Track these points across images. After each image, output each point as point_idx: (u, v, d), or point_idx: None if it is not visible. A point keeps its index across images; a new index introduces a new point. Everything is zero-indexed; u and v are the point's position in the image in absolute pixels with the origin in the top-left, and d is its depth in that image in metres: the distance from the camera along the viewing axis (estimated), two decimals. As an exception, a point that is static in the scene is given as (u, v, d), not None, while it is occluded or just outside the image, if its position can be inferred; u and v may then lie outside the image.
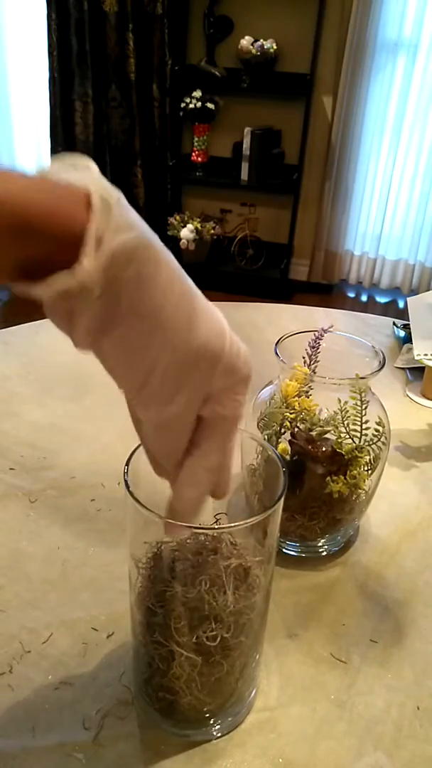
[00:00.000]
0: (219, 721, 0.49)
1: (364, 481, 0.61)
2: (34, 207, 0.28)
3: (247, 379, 0.37)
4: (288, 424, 0.62)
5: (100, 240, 0.29)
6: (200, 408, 0.36)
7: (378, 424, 0.61)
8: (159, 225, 3.34)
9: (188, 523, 0.38)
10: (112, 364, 0.33)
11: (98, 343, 0.32)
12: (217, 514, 0.49)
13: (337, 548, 0.67)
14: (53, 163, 0.32)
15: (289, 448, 0.62)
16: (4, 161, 3.51)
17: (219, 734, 0.50)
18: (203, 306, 0.34)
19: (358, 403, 0.59)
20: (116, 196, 0.30)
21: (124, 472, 0.41)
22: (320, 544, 0.66)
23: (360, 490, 0.62)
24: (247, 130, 3.04)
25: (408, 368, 1.03)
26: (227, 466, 0.39)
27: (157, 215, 3.35)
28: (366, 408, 0.59)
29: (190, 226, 3.15)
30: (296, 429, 0.62)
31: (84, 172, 0.31)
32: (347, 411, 0.60)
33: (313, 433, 0.62)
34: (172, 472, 0.38)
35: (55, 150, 3.28)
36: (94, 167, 0.32)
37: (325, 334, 0.65)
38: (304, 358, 0.65)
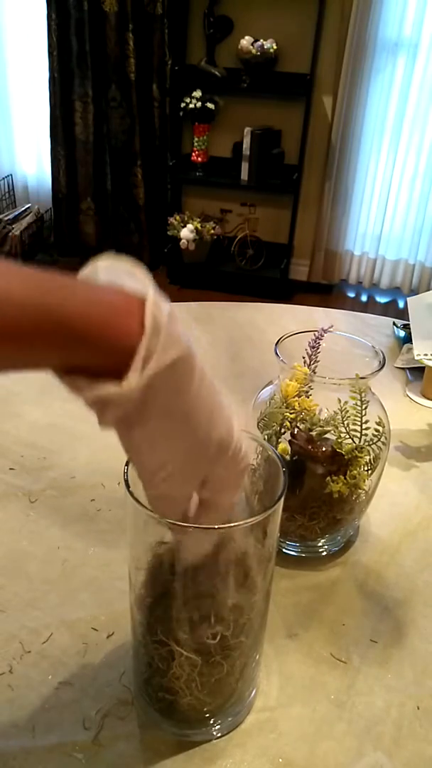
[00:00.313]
0: (219, 721, 0.49)
1: (364, 481, 0.61)
2: (89, 320, 0.30)
3: (246, 470, 0.39)
4: (288, 424, 0.62)
5: (148, 358, 0.31)
6: (200, 490, 0.38)
7: (378, 424, 0.61)
8: (159, 225, 3.34)
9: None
10: (132, 452, 0.36)
11: (123, 431, 0.35)
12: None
13: (337, 548, 0.67)
14: (100, 262, 0.34)
15: (289, 448, 0.62)
16: (4, 161, 3.51)
17: (219, 734, 0.50)
18: (221, 404, 0.37)
19: (358, 403, 0.59)
20: (167, 313, 0.32)
21: (124, 472, 0.41)
22: (320, 544, 0.66)
23: (360, 490, 0.62)
24: (247, 130, 3.04)
25: (408, 368, 1.03)
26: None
27: (157, 215, 3.35)
28: (366, 408, 0.59)
29: (190, 226, 3.15)
30: (296, 429, 0.62)
31: (136, 282, 0.33)
32: (347, 411, 0.60)
33: (313, 433, 0.62)
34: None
35: (55, 150, 3.29)
36: (146, 277, 0.33)
37: (325, 334, 0.65)
38: (304, 358, 0.65)
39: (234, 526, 0.40)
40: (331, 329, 0.66)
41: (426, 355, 0.96)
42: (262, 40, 2.90)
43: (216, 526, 0.40)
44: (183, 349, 0.33)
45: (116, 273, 0.34)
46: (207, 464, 0.37)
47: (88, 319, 0.30)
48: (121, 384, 0.31)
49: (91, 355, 0.31)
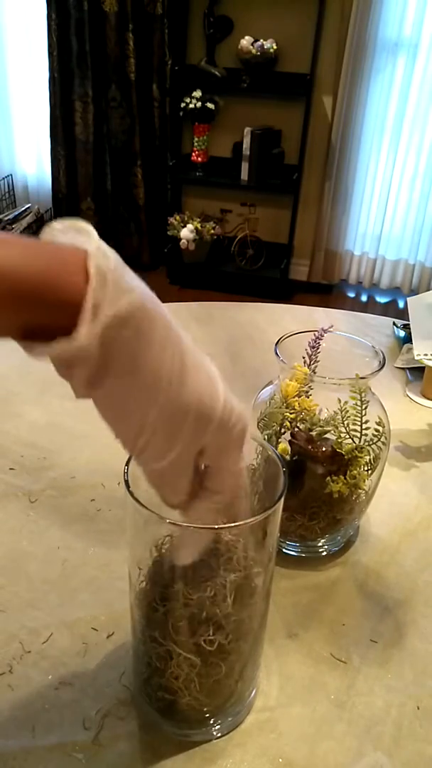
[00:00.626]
0: (219, 721, 0.49)
1: (364, 481, 0.61)
2: (32, 276, 0.30)
3: (242, 436, 0.38)
4: (288, 424, 0.62)
5: (97, 308, 0.30)
6: (199, 459, 0.38)
7: (378, 424, 0.61)
8: (159, 225, 3.34)
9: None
10: (106, 415, 0.35)
11: (95, 396, 0.34)
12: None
13: (337, 548, 0.67)
14: (53, 225, 0.33)
15: (289, 448, 0.62)
16: (4, 161, 3.51)
17: (219, 734, 0.50)
18: (197, 365, 0.36)
19: (358, 403, 0.59)
20: (113, 262, 0.31)
21: (124, 472, 0.41)
22: (320, 544, 0.66)
23: (360, 490, 0.62)
24: (247, 130, 3.04)
25: (408, 368, 1.03)
26: (236, 503, 0.41)
27: (157, 215, 3.35)
28: (366, 408, 0.59)
29: (190, 226, 3.15)
30: (296, 429, 0.62)
31: (83, 237, 0.32)
32: (347, 411, 0.60)
33: (313, 433, 0.62)
34: (179, 506, 0.40)
35: (55, 150, 3.29)
36: (92, 231, 0.33)
37: (325, 334, 0.65)
38: (304, 358, 0.65)
39: (234, 526, 0.40)
40: (331, 329, 0.66)
41: (426, 355, 0.96)
42: (262, 40, 2.90)
43: (215, 526, 0.40)
44: (136, 297, 0.32)
45: (68, 233, 0.33)
46: (190, 433, 0.35)
47: (29, 273, 0.30)
48: (73, 337, 0.30)
49: (38, 312, 0.30)
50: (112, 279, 0.31)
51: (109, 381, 0.33)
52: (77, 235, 0.33)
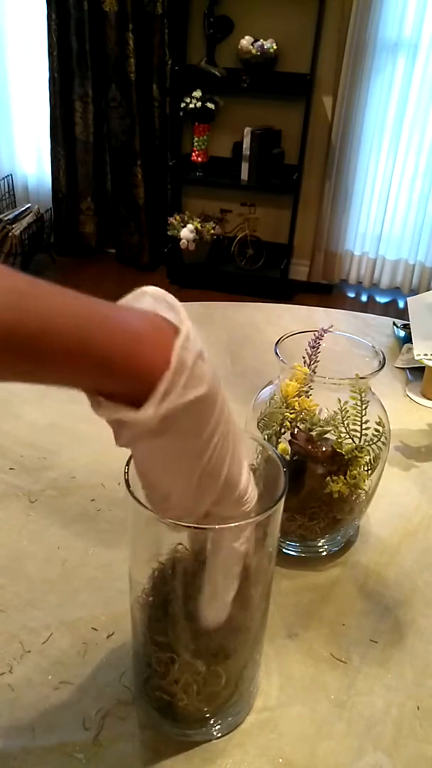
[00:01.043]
0: (219, 721, 0.49)
1: (364, 481, 0.61)
2: (119, 349, 0.31)
3: (248, 516, 0.40)
4: (288, 424, 0.62)
5: (167, 394, 0.32)
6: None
7: (378, 424, 0.61)
8: (159, 225, 3.34)
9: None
10: (141, 475, 0.38)
11: (135, 448, 0.36)
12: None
13: (337, 548, 0.67)
14: (146, 290, 0.35)
15: (289, 448, 0.62)
16: (4, 161, 3.51)
17: (219, 734, 0.50)
18: (237, 448, 0.38)
19: (358, 403, 0.59)
20: (195, 354, 0.33)
21: (125, 472, 0.41)
22: (320, 544, 0.66)
23: (360, 490, 0.62)
24: (247, 130, 3.04)
25: (408, 368, 1.03)
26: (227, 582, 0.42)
27: (157, 215, 3.35)
28: (366, 408, 0.59)
29: (190, 226, 3.15)
30: (296, 429, 0.62)
31: (172, 314, 0.34)
32: (347, 411, 0.60)
33: (313, 433, 0.62)
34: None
35: (55, 150, 3.29)
36: (182, 311, 0.34)
37: (325, 334, 0.65)
38: (304, 358, 0.65)
39: (234, 526, 0.40)
40: (331, 329, 0.66)
41: (426, 355, 0.96)
42: (262, 40, 2.90)
43: (216, 526, 0.40)
44: (205, 390, 0.33)
45: (157, 303, 0.35)
46: (211, 498, 0.37)
47: (117, 348, 0.31)
48: (138, 412, 0.32)
49: (115, 382, 0.32)
50: (189, 370, 0.33)
51: (154, 446, 0.35)
52: (167, 311, 0.34)
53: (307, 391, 0.63)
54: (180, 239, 3.16)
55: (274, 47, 2.92)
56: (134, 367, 0.32)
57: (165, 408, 0.32)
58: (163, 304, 0.35)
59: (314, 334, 0.66)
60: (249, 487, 0.39)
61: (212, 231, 3.19)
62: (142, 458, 0.37)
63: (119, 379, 0.32)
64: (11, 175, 3.52)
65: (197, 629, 0.43)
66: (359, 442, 0.60)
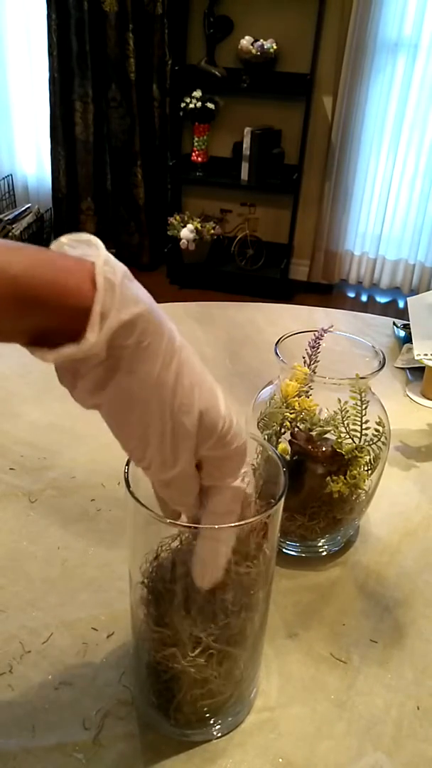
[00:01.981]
0: (219, 721, 0.49)
1: (364, 481, 0.61)
2: (41, 281, 0.31)
3: (241, 452, 0.39)
4: (288, 424, 0.62)
5: (104, 315, 0.32)
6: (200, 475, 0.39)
7: (378, 424, 0.61)
8: (159, 225, 3.34)
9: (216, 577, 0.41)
10: (113, 425, 0.36)
11: (100, 405, 0.35)
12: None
13: (337, 548, 0.67)
14: (61, 240, 0.35)
15: (289, 448, 0.62)
16: (4, 161, 3.51)
17: (219, 734, 0.50)
18: (201, 378, 0.37)
19: (358, 403, 0.59)
20: (121, 274, 0.33)
21: (124, 472, 0.41)
22: (320, 544, 0.66)
23: (360, 490, 0.62)
24: (247, 130, 3.04)
25: (408, 368, 1.03)
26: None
27: (157, 215, 3.35)
28: (366, 408, 0.59)
29: (190, 226, 3.15)
30: (296, 429, 0.62)
31: (91, 249, 0.34)
32: (347, 411, 0.60)
33: (313, 433, 0.62)
34: (185, 512, 0.41)
35: (55, 150, 3.29)
36: (100, 244, 0.34)
37: (325, 334, 0.65)
38: (304, 358, 0.65)
39: (234, 526, 0.40)
40: (331, 329, 0.66)
41: (426, 355, 0.96)
42: (262, 40, 2.90)
43: (216, 526, 0.40)
44: (143, 307, 0.33)
45: (77, 247, 0.34)
46: (190, 441, 0.36)
47: (38, 278, 0.31)
48: (81, 341, 0.31)
49: (46, 316, 0.31)
50: (119, 289, 0.32)
51: (113, 389, 0.34)
52: (86, 248, 0.34)
53: (307, 391, 0.63)
54: (180, 239, 3.16)
55: (274, 47, 2.92)
56: (63, 296, 0.31)
57: (107, 330, 0.32)
58: (80, 246, 0.34)
59: (314, 334, 0.66)
60: (232, 420, 0.38)
61: (212, 231, 3.19)
62: (108, 410, 0.36)
63: (53, 314, 0.31)
64: (11, 175, 3.52)
65: (196, 629, 0.43)
66: (359, 442, 0.60)
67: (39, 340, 0.32)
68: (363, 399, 0.59)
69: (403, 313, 1.16)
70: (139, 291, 0.34)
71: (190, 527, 0.41)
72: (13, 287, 0.30)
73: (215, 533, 0.40)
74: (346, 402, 0.60)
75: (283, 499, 0.43)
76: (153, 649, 0.46)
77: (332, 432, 0.61)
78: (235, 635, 0.44)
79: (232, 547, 0.41)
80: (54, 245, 0.35)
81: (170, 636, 0.44)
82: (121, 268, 0.33)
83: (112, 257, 0.33)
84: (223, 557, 0.41)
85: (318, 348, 0.65)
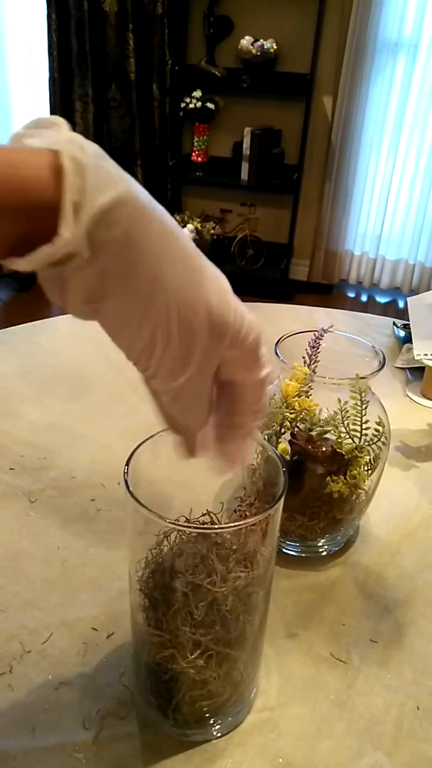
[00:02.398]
0: (219, 721, 0.49)
1: (364, 481, 0.61)
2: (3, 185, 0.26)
3: (258, 344, 0.35)
4: (288, 424, 0.62)
5: (78, 205, 0.27)
6: (217, 377, 0.35)
7: (378, 424, 0.61)
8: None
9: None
10: (114, 332, 0.32)
11: (97, 312, 0.31)
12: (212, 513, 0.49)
13: (337, 548, 0.67)
14: (18, 131, 0.30)
15: (289, 448, 0.62)
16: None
17: (219, 734, 0.50)
18: (203, 269, 0.32)
19: (358, 403, 0.59)
20: (92, 153, 0.28)
21: (124, 472, 0.41)
22: (320, 544, 0.66)
23: (360, 490, 0.62)
24: (247, 130, 3.04)
25: (408, 368, 1.03)
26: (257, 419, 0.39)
27: (157, 215, 3.35)
28: (366, 408, 0.59)
29: (190, 226, 3.15)
30: (296, 429, 0.62)
31: (52, 132, 0.29)
32: (347, 411, 0.60)
33: (313, 433, 0.62)
34: (195, 429, 0.37)
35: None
36: (63, 124, 0.29)
37: (325, 334, 0.65)
38: (304, 358, 0.65)
39: (234, 526, 0.40)
40: (331, 329, 0.66)
41: (426, 355, 0.96)
42: (262, 40, 2.90)
43: (216, 526, 0.40)
44: (122, 191, 0.28)
45: (38, 134, 0.30)
46: (206, 345, 0.32)
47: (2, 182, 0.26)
48: (56, 239, 0.27)
49: (13, 221, 0.27)
50: (92, 171, 0.27)
51: (109, 291, 0.30)
52: (47, 131, 0.29)
53: (307, 391, 0.63)
54: (180, 239, 3.16)
55: (274, 47, 2.92)
56: (25, 192, 0.27)
57: (84, 221, 0.27)
58: (41, 132, 0.29)
59: (314, 334, 0.66)
60: (243, 312, 0.33)
61: (212, 231, 3.19)
62: (107, 318, 0.31)
63: (13, 215, 0.27)
64: (11, 175, 3.52)
65: (195, 634, 0.43)
66: (359, 442, 0.60)
67: (15, 250, 0.28)
68: (363, 399, 0.59)
69: (403, 313, 1.16)
70: (116, 170, 0.29)
71: (190, 527, 0.41)
72: None
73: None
74: (346, 402, 0.60)
75: (282, 499, 0.43)
76: (152, 651, 0.46)
77: (332, 432, 0.61)
78: (234, 637, 0.44)
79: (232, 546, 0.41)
80: (13, 139, 0.30)
81: (169, 640, 0.44)
82: (92, 146, 0.28)
83: (79, 136, 0.28)
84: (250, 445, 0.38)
85: (318, 348, 0.65)
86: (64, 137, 0.28)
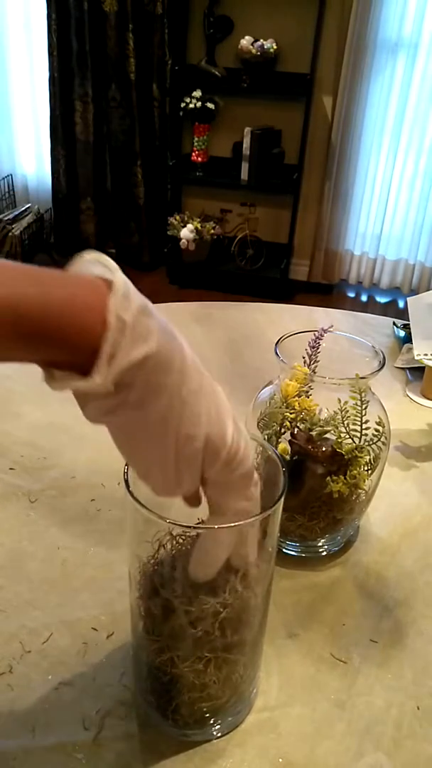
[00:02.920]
0: (219, 721, 0.49)
1: (364, 481, 0.61)
2: (51, 316, 0.30)
3: (250, 475, 0.39)
4: (288, 424, 0.62)
5: (113, 356, 0.31)
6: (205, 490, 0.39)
7: (378, 424, 0.61)
8: (159, 225, 3.34)
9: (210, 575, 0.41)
10: (117, 442, 0.36)
11: (107, 423, 0.35)
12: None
13: (337, 548, 0.67)
14: (84, 256, 0.34)
15: (289, 448, 0.62)
16: (4, 161, 3.50)
17: (219, 734, 0.50)
18: (210, 404, 0.36)
19: (358, 403, 0.59)
20: (135, 308, 0.31)
21: (124, 472, 0.41)
22: (320, 544, 0.66)
23: (360, 490, 0.62)
24: (247, 130, 3.04)
25: (408, 368, 1.03)
26: (250, 545, 0.42)
27: (157, 215, 3.35)
28: (366, 408, 0.59)
29: (190, 226, 3.15)
30: (296, 429, 0.62)
31: (111, 274, 0.32)
32: (347, 411, 0.60)
33: (313, 433, 0.62)
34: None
35: (55, 150, 3.28)
36: (117, 271, 0.33)
37: (325, 334, 0.65)
38: (304, 358, 0.65)
39: (234, 526, 0.40)
40: (331, 329, 0.66)
41: (426, 355, 0.96)
42: (262, 40, 2.90)
43: (215, 526, 0.40)
44: (154, 345, 0.32)
45: (96, 267, 0.33)
46: (195, 467, 0.36)
47: (48, 313, 0.30)
48: (88, 379, 0.31)
49: (57, 351, 0.31)
50: (130, 327, 0.31)
51: (122, 414, 0.34)
52: (104, 272, 0.33)
53: (307, 391, 0.63)
54: (180, 239, 3.16)
55: (274, 47, 2.92)
56: (73, 333, 0.30)
57: (114, 371, 0.31)
58: (99, 266, 0.33)
59: (314, 334, 0.66)
60: (239, 444, 0.37)
61: (212, 231, 3.19)
62: (115, 431, 0.36)
63: (60, 347, 0.31)
64: (11, 175, 3.51)
65: (196, 629, 0.43)
66: (359, 442, 0.60)
67: (51, 363, 0.32)
68: (363, 399, 0.59)
69: (403, 313, 1.16)
70: (151, 323, 0.33)
71: (189, 527, 0.41)
72: (22, 321, 0.29)
73: (211, 534, 0.40)
74: (346, 402, 0.60)
75: (282, 499, 0.43)
76: (151, 655, 0.46)
77: (332, 432, 0.61)
78: (233, 642, 0.44)
79: (232, 548, 0.41)
80: (75, 262, 0.34)
81: (168, 645, 0.44)
82: (137, 299, 0.32)
83: (131, 288, 0.32)
84: (219, 558, 0.41)
85: (318, 348, 0.65)
86: (118, 291, 0.31)
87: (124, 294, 0.32)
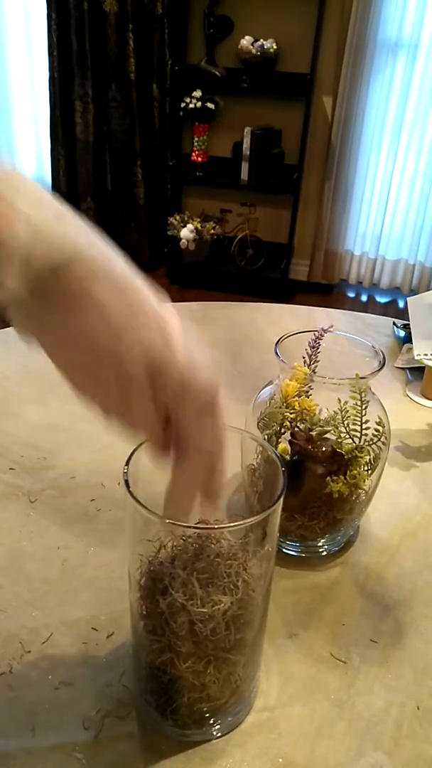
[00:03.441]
0: (219, 721, 0.49)
1: (364, 481, 0.61)
2: None
3: (213, 406, 0.35)
4: (288, 424, 0.62)
5: (27, 261, 0.29)
6: (166, 424, 0.36)
7: (378, 424, 0.61)
8: (159, 225, 3.34)
9: (180, 521, 0.39)
10: (55, 364, 0.34)
11: (36, 334, 0.33)
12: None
13: (337, 548, 0.67)
14: None
15: (289, 448, 0.62)
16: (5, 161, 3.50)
17: (219, 734, 0.50)
18: (151, 321, 0.33)
19: (358, 403, 0.59)
20: (51, 213, 0.30)
21: (124, 472, 0.41)
22: (320, 544, 0.66)
23: (360, 490, 0.62)
24: (247, 130, 3.04)
25: (408, 368, 1.03)
26: (216, 479, 0.39)
27: (157, 215, 3.35)
28: (366, 408, 0.59)
29: (190, 226, 3.15)
30: (296, 429, 0.62)
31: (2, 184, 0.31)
32: (347, 411, 0.60)
33: (313, 433, 0.62)
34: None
35: (55, 150, 3.29)
36: (15, 177, 0.31)
37: (325, 334, 0.65)
38: (304, 358, 0.65)
39: (234, 526, 0.40)
40: (331, 329, 0.66)
41: (426, 355, 0.96)
42: (262, 40, 2.90)
43: (215, 526, 0.40)
44: (71, 251, 0.31)
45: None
46: (142, 391, 0.33)
47: None
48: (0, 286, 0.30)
49: None
50: (43, 231, 0.30)
51: (49, 331, 0.32)
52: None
53: (307, 391, 0.63)
54: (180, 239, 3.16)
55: (274, 47, 2.92)
56: None
57: (27, 277, 0.29)
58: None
59: (314, 334, 0.66)
60: (193, 368, 0.33)
61: (212, 231, 3.19)
62: (45, 350, 0.34)
63: None
64: (11, 175, 3.51)
65: (197, 629, 0.43)
66: (359, 442, 0.60)
67: None
68: (363, 399, 0.59)
69: (403, 313, 1.16)
70: (69, 230, 0.31)
71: (189, 527, 0.41)
72: None
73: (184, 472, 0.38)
74: (346, 402, 0.60)
75: (282, 499, 0.43)
76: (151, 655, 0.46)
77: (332, 432, 0.61)
78: (234, 635, 0.44)
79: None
80: None
81: (168, 645, 0.44)
82: (52, 207, 0.31)
83: (44, 194, 0.31)
84: (192, 495, 0.39)
85: (318, 348, 0.65)
86: (23, 194, 0.30)
87: (37, 200, 0.30)
